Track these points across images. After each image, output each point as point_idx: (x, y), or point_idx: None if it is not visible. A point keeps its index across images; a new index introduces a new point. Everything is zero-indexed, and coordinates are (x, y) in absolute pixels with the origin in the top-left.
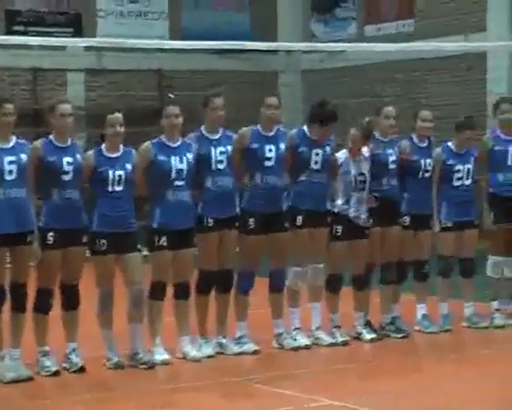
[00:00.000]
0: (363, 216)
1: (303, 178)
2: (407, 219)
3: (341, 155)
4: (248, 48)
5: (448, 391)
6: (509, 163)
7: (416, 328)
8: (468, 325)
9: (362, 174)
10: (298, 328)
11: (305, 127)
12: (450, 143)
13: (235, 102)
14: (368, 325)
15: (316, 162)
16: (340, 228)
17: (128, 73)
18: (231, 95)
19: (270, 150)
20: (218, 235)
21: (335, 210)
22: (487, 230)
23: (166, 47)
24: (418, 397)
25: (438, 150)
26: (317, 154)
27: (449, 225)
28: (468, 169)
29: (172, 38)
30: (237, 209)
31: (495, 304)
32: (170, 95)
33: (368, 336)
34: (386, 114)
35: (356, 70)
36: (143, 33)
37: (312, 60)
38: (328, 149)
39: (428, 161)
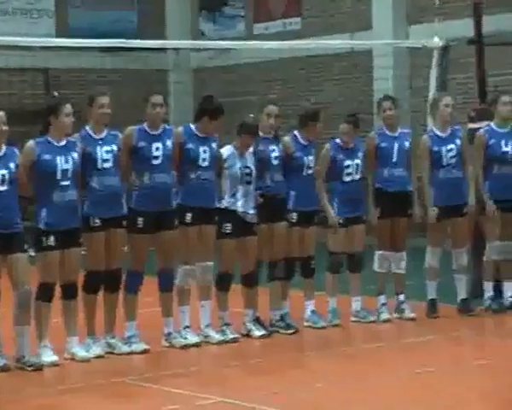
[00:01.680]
0: (251, 212)
1: (191, 175)
2: (294, 216)
3: (226, 150)
4: (135, 46)
5: (330, 387)
6: (394, 159)
7: (306, 324)
8: (356, 319)
9: (247, 167)
10: (188, 326)
11: (191, 125)
12: (338, 140)
13: (122, 101)
14: (257, 321)
15: (204, 159)
16: (228, 225)
17: (12, 72)
18: (119, 94)
19: (158, 149)
20: (105, 234)
21: (223, 206)
22: (374, 225)
23: (52, 45)
24: (302, 393)
25: (326, 146)
26: (205, 151)
27: (340, 221)
28: (357, 165)
29: (59, 35)
30: (125, 209)
31: (381, 298)
32: (55, 93)
33: (257, 333)
34: (268, 112)
35: (245, 68)
36: (29, 31)
37: (201, 58)
38: (214, 145)
39: (311, 158)
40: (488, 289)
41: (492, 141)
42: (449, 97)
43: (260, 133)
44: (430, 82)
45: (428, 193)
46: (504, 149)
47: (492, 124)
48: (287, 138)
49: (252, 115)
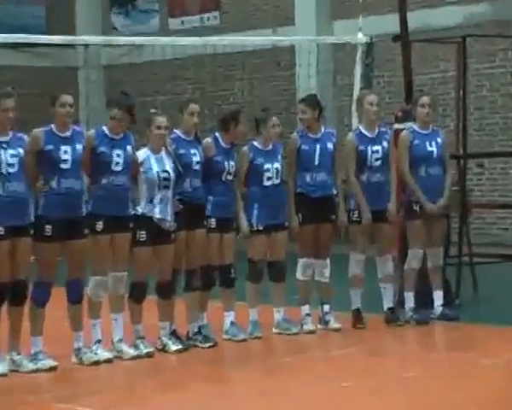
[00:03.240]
0: (169, 219)
1: (103, 181)
2: (213, 222)
3: (142, 153)
4: (42, 42)
5: (250, 401)
6: (316, 163)
7: (225, 336)
8: (279, 331)
9: (165, 171)
10: (99, 341)
11: (104, 127)
12: (256, 142)
13: (28, 101)
14: (173, 335)
15: (117, 164)
16: (143, 233)
17: None
18: (25, 93)
19: (66, 152)
20: (10, 244)
21: (139, 213)
22: (295, 232)
23: None
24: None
25: (244, 149)
26: (119, 155)
27: (260, 228)
28: (277, 168)
29: None
30: (31, 216)
31: (305, 308)
32: None
33: (173, 347)
34: (192, 110)
35: (159, 65)
36: None
37: (113, 54)
38: (129, 148)
39: (232, 163)
40: (409, 299)
41: (416, 141)
42: (373, 95)
43: (180, 134)
44: (355, 80)
45: (361, 194)
46: (429, 148)
47: (414, 125)
48: (208, 140)
49: (154, 110)
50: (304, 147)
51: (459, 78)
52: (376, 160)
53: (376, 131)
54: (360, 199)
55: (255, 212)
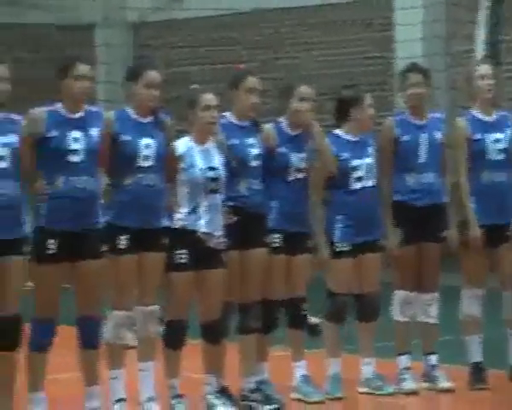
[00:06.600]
0: (217, 234)
1: (127, 180)
2: (277, 239)
3: (183, 144)
4: None
5: None
6: (422, 160)
7: (294, 395)
8: (368, 390)
9: (213, 169)
10: (122, 399)
11: (128, 108)
12: (340, 131)
13: (27, 71)
14: (223, 393)
15: (146, 157)
16: (183, 253)
17: None
18: (21, 60)
19: (77, 139)
20: None
21: (177, 225)
22: (393, 254)
23: None
24: None
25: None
26: (148, 145)
27: (345, 248)
28: (369, 165)
29: None
30: (26, 228)
31: (404, 360)
32: None
33: (223, 409)
34: (249, 86)
35: (204, 23)
36: None
37: (142, 9)
38: (162, 136)
39: (302, 155)
40: None
41: None
42: (486, 65)
43: (232, 119)
44: (475, 46)
45: (468, 202)
46: None
47: None
48: (268, 127)
49: (196, 86)
50: (404, 137)
51: None
52: (498, 152)
53: (495, 114)
54: (467, 209)
55: (338, 225)
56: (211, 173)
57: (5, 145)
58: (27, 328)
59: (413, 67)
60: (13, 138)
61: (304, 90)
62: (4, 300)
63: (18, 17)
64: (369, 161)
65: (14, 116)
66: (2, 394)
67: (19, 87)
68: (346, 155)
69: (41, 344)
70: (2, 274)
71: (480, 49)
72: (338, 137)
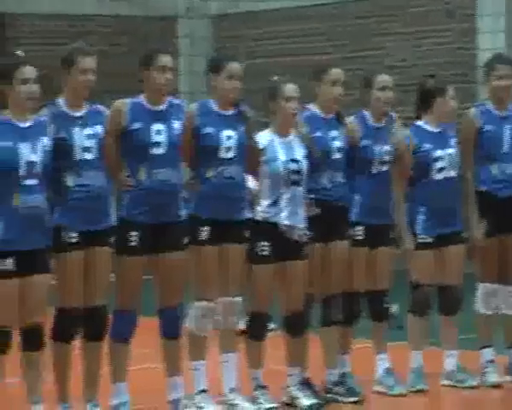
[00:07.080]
0: (300, 226)
1: (210, 172)
2: (360, 231)
3: (264, 136)
4: None
5: None
6: (505, 150)
7: (376, 388)
8: (450, 383)
9: (295, 161)
10: (204, 390)
11: (210, 100)
12: (422, 122)
13: (111, 63)
14: (306, 384)
15: (228, 149)
16: (265, 245)
17: None
18: (107, 51)
19: (159, 132)
20: (85, 255)
21: (259, 218)
22: (477, 245)
23: None
24: None
25: (403, 133)
26: (230, 137)
27: (428, 240)
28: (451, 156)
29: None
30: (112, 219)
31: (488, 353)
32: (18, 52)
33: (306, 401)
34: (333, 78)
35: (287, 15)
36: None
37: (223, 1)
38: (242, 128)
39: (386, 147)
40: None
41: None
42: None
43: (315, 111)
44: None
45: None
46: None
47: None
48: (352, 119)
49: (277, 78)
50: (487, 128)
51: None
52: None
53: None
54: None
55: (421, 217)
56: (293, 166)
57: (92, 137)
58: (110, 319)
59: (501, 59)
60: (99, 130)
61: (382, 78)
62: (93, 291)
63: (104, 9)
64: (451, 151)
65: (101, 108)
66: (89, 382)
67: (106, 79)
68: (427, 145)
69: (123, 335)
70: (91, 265)
71: None
72: (420, 127)
